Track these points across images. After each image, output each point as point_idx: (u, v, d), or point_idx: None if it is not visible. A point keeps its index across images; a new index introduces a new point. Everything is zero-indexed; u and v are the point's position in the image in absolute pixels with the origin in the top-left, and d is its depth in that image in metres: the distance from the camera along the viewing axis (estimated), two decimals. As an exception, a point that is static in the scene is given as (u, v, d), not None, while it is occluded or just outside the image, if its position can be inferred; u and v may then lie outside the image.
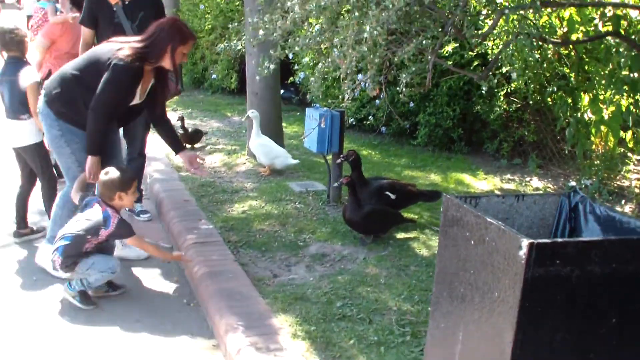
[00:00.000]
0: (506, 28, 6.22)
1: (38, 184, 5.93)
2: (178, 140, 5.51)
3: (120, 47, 4.83)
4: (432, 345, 3.26)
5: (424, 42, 4.18)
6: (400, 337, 4.07)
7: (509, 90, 8.40)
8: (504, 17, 4.31)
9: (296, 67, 10.97)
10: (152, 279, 5.20)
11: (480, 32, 6.38)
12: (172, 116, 11.30)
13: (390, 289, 4.75)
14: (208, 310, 4.51)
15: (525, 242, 2.46)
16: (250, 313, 4.29)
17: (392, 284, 4.86)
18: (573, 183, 7.67)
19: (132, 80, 4.87)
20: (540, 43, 5.39)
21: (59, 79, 4.96)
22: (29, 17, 35.65)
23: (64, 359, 4.02)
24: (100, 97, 4.76)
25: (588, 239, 2.73)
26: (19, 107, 5.57)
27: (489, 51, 8.31)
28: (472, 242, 2.82)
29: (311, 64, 10.17)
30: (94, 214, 4.63)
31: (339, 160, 6.07)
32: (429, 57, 4.34)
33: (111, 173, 4.70)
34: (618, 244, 2.58)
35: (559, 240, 2.53)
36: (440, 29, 4.55)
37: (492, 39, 7.46)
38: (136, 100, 5.05)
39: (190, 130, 9.06)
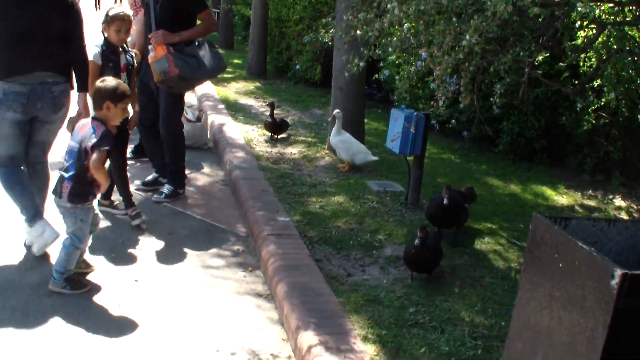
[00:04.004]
0: (602, 40, 6.09)
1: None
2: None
3: None
4: (508, 364, 3.21)
5: (520, 53, 4.10)
6: (471, 350, 4.03)
7: (598, 104, 8.19)
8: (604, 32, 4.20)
9: (381, 64, 10.93)
10: (226, 267, 5.25)
11: (574, 43, 6.25)
12: (255, 103, 11.44)
13: (463, 300, 4.70)
14: (280, 303, 4.53)
15: (618, 272, 2.40)
16: (322, 311, 4.29)
17: (465, 294, 4.80)
18: (657, 204, 7.46)
19: None
20: (638, 60, 5.24)
21: None
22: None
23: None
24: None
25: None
26: None
27: (581, 63, 8.12)
28: (560, 265, 2.76)
29: (397, 62, 10.13)
30: (83, 128, 4.62)
31: (445, 202, 5.57)
32: (526, 69, 4.27)
33: (107, 81, 4.72)
34: None
35: (654, 272, 2.45)
36: (537, 40, 4.47)
37: (586, 50, 7.30)
38: None
39: (278, 120, 9.10)
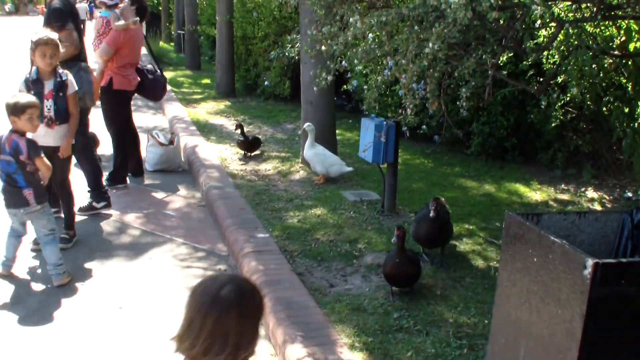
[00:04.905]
0: (562, 38, 6.20)
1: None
2: None
3: None
4: (492, 361, 3.28)
5: (483, 56, 4.19)
6: (457, 350, 4.09)
7: (564, 100, 8.32)
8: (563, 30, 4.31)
9: (349, 75, 11.01)
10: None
11: (535, 42, 6.37)
12: (226, 122, 11.47)
13: (446, 301, 4.77)
14: (266, 319, 4.56)
15: (590, 262, 2.47)
16: (307, 323, 4.34)
17: (448, 295, 4.87)
18: (629, 194, 7.58)
19: None
20: (598, 55, 5.36)
21: None
22: (82, 22, 36.46)
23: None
24: None
25: (653, 259, 2.74)
26: None
27: (544, 60, 8.26)
28: (535, 260, 2.84)
29: (364, 72, 10.22)
30: (7, 142, 5.05)
31: (432, 214, 5.24)
32: (489, 71, 4.36)
33: (8, 99, 5.10)
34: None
35: (624, 260, 2.54)
36: (499, 42, 4.57)
37: (548, 49, 7.42)
38: None
39: (250, 138, 9.16)
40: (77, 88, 5.82)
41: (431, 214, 5.25)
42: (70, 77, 5.79)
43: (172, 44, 26.97)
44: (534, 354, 2.88)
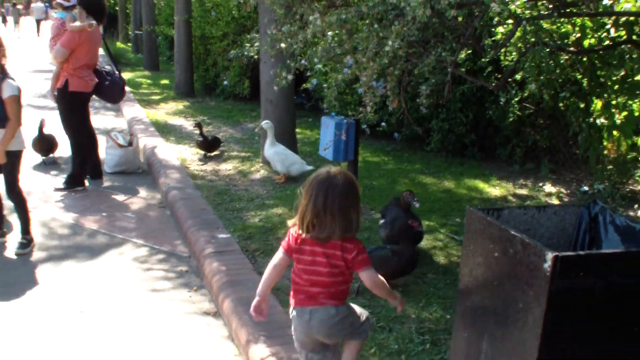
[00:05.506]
0: (520, 35, 6.29)
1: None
2: None
3: None
4: (455, 355, 3.31)
5: (442, 54, 4.22)
6: (420, 346, 4.12)
7: (522, 96, 8.42)
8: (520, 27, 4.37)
9: (309, 73, 11.01)
10: (172, 289, 5.25)
11: (493, 39, 6.44)
12: (185, 123, 11.41)
13: (408, 297, 4.79)
14: (229, 319, 4.55)
15: (549, 255, 2.50)
16: (270, 322, 4.31)
17: (410, 292, 4.90)
18: (586, 188, 7.69)
19: None
20: (555, 51, 5.43)
21: None
22: (38, 22, 36.49)
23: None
24: None
25: (611, 251, 2.79)
26: None
27: (502, 57, 8.35)
28: (496, 254, 2.87)
29: (325, 70, 10.23)
30: None
31: (402, 201, 5.34)
32: (449, 69, 4.40)
33: None
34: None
35: (583, 253, 2.58)
36: (457, 40, 4.60)
37: (506, 46, 7.50)
38: None
39: (210, 138, 9.14)
40: (14, 92, 5.64)
41: (416, 205, 5.32)
42: (7, 80, 5.64)
43: (129, 44, 26.76)
44: (496, 348, 2.91)
